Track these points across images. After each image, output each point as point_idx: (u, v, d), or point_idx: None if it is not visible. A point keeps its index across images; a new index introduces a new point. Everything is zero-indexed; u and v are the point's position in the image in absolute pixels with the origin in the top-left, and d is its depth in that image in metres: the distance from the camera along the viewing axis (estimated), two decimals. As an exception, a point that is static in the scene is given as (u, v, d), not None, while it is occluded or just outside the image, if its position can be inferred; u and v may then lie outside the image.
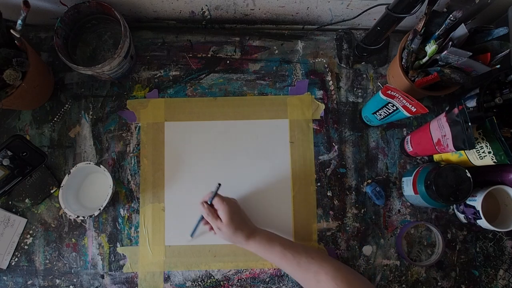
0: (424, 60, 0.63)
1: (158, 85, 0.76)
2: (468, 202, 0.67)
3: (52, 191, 0.71)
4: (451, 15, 0.56)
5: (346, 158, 0.74)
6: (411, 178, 0.69)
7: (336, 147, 0.74)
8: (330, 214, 0.72)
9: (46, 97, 0.73)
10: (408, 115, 0.61)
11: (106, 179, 0.68)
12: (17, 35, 0.59)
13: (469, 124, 0.55)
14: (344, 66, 0.77)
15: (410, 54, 0.64)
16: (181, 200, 0.72)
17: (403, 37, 0.67)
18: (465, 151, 0.62)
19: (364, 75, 0.77)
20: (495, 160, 0.58)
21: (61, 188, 0.66)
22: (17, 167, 0.67)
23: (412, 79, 0.66)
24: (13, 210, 0.70)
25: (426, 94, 0.69)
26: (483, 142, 0.59)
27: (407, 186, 0.70)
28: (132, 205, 0.72)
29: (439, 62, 0.61)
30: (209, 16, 0.77)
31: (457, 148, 0.57)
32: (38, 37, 0.76)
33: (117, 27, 0.73)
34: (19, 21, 0.59)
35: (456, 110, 0.57)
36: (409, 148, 0.71)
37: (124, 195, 0.72)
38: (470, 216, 0.67)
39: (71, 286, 0.69)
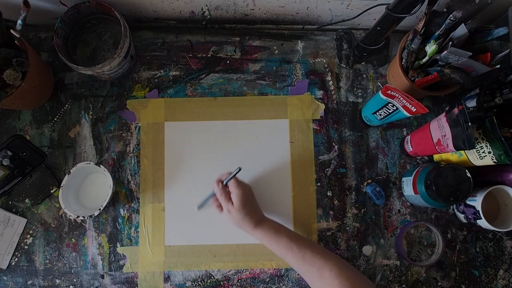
0: (424, 60, 0.63)
1: (158, 85, 0.76)
2: (468, 202, 0.67)
3: (52, 191, 0.71)
4: (451, 15, 0.56)
5: (346, 158, 0.74)
6: (411, 178, 0.69)
7: (336, 147, 0.74)
8: (330, 214, 0.72)
9: (46, 97, 0.73)
10: (408, 115, 0.61)
11: (106, 179, 0.68)
12: (17, 35, 0.59)
13: (469, 124, 0.55)
14: (344, 66, 0.77)
15: (410, 54, 0.64)
16: (181, 200, 0.72)
17: (403, 37, 0.67)
18: (465, 151, 0.62)
19: (364, 75, 0.77)
20: (495, 160, 0.58)
21: (61, 188, 0.66)
22: (17, 167, 0.67)
23: (412, 79, 0.66)
24: (13, 210, 0.70)
25: (426, 94, 0.69)
26: (483, 142, 0.59)
27: (407, 186, 0.70)
28: (132, 205, 0.72)
29: (439, 62, 0.61)
30: (209, 16, 0.77)
31: (457, 148, 0.57)
32: (38, 37, 0.76)
33: (117, 27, 0.73)
34: (19, 21, 0.59)
35: (456, 110, 0.57)
36: (409, 148, 0.71)
37: (124, 195, 0.72)
38: (470, 216, 0.67)
39: (71, 286, 0.69)
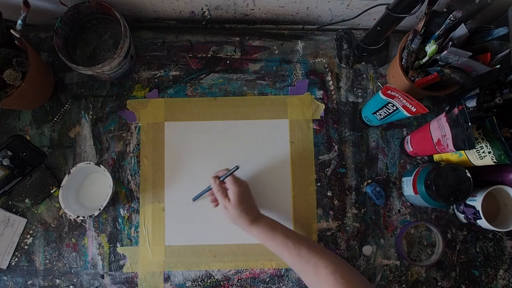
0: (424, 60, 0.63)
1: (158, 85, 0.76)
2: (468, 202, 0.67)
3: (52, 191, 0.71)
4: (451, 15, 0.56)
5: (346, 158, 0.74)
6: (411, 178, 0.69)
7: (336, 147, 0.74)
8: (330, 214, 0.72)
9: (46, 97, 0.73)
10: (408, 115, 0.61)
11: (106, 179, 0.68)
12: (17, 35, 0.59)
13: (469, 124, 0.55)
14: (344, 66, 0.77)
15: (410, 54, 0.64)
16: (181, 200, 0.72)
17: (403, 37, 0.67)
18: (465, 151, 0.62)
19: (364, 75, 0.77)
20: (495, 160, 0.58)
21: (61, 188, 0.66)
22: (17, 167, 0.67)
23: (412, 79, 0.66)
24: (13, 210, 0.70)
25: (426, 94, 0.69)
26: (483, 142, 0.59)
27: (407, 186, 0.70)
28: (132, 205, 0.72)
29: (439, 62, 0.61)
30: (209, 16, 0.77)
31: (457, 148, 0.57)
32: (38, 37, 0.76)
33: (117, 27, 0.73)
34: (19, 21, 0.59)
35: (456, 110, 0.57)
36: (409, 148, 0.71)
37: (124, 195, 0.72)
38: (470, 216, 0.67)
39: (71, 286, 0.69)
